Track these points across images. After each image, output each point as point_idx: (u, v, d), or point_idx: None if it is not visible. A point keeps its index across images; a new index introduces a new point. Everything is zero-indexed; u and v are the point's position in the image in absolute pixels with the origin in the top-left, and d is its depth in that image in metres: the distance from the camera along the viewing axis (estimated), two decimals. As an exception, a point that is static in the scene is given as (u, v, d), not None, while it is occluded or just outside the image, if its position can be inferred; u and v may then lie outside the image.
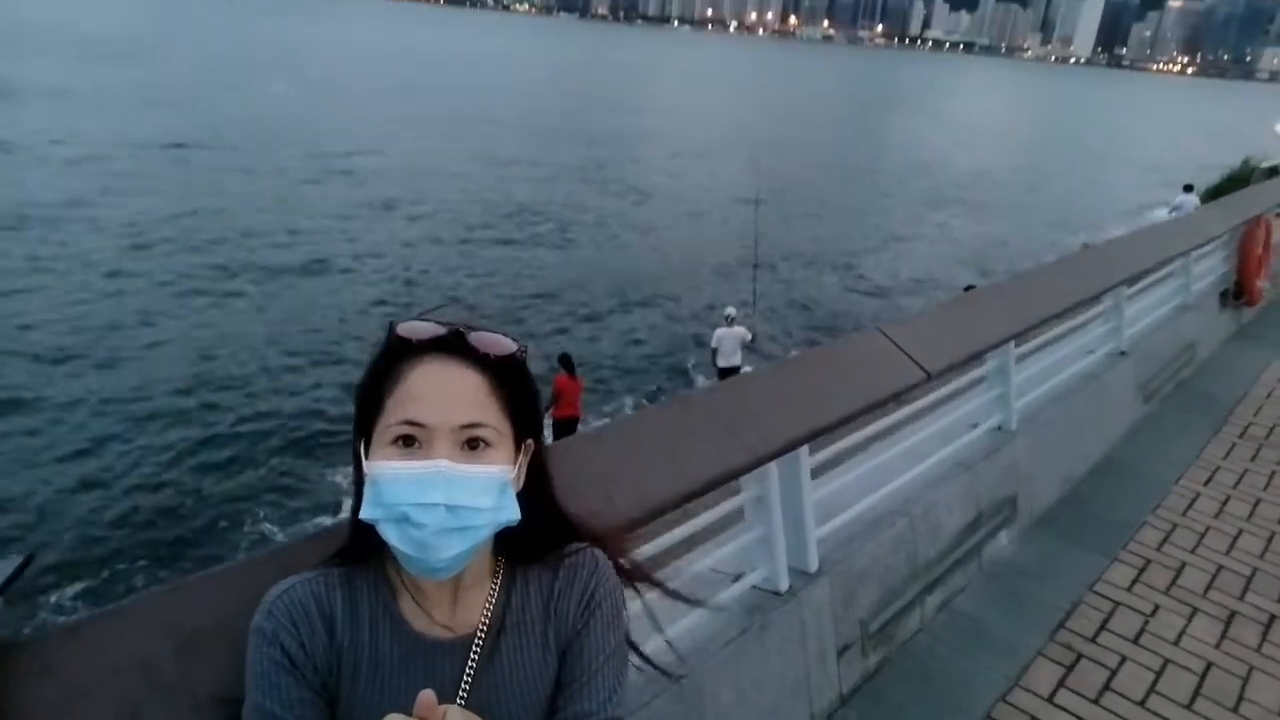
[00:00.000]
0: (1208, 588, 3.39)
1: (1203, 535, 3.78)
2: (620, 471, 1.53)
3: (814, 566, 2.55)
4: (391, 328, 0.98)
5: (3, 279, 13.65)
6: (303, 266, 15.76)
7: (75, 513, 8.52)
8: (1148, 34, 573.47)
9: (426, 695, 0.82)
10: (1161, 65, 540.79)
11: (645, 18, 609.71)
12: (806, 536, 2.51)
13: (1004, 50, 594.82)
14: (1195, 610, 3.24)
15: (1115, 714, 2.68)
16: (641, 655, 1.22)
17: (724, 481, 1.75)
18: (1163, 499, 4.06)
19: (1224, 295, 6.42)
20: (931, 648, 2.91)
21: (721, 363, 11.13)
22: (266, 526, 8.56)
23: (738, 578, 2.41)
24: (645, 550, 1.97)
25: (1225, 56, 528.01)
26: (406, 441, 0.93)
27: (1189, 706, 2.74)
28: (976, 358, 2.80)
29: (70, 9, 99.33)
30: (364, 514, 0.94)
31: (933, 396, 3.34)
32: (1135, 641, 3.03)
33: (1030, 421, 3.73)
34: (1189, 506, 4.03)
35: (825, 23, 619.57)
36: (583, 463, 1.48)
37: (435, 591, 1.02)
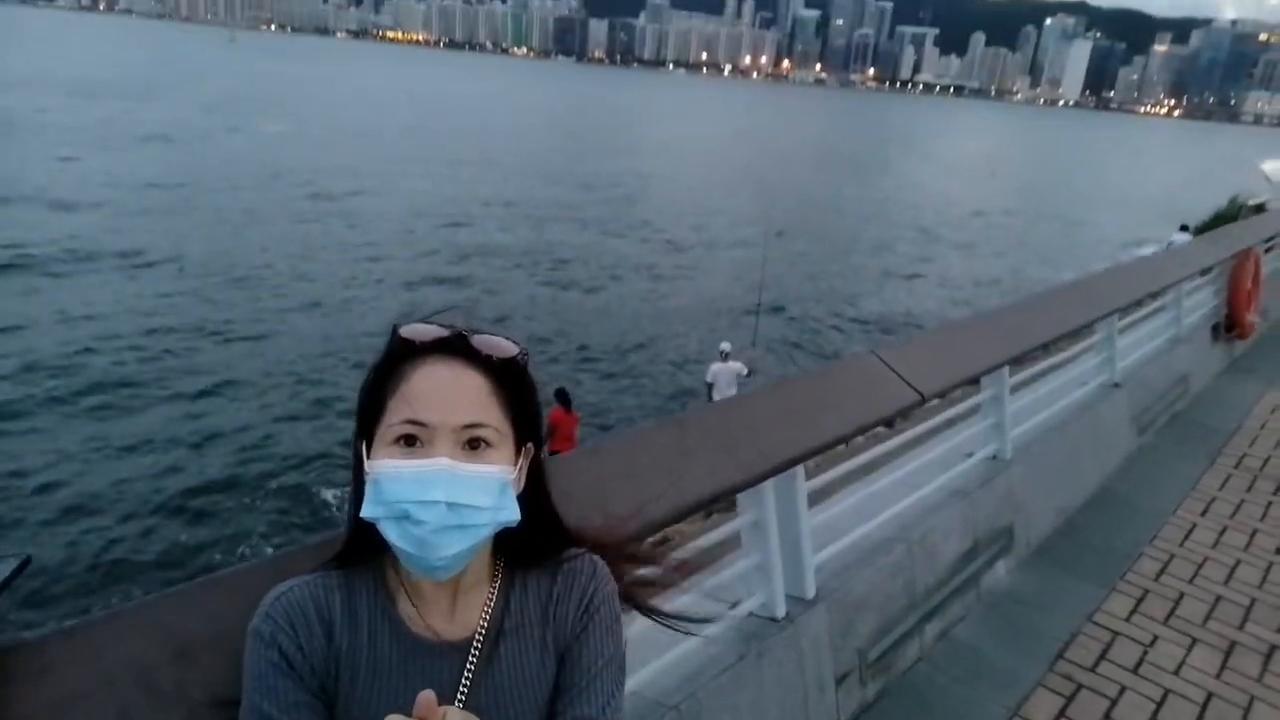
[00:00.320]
0: (1207, 618, 3.37)
1: (1200, 566, 3.77)
2: (617, 487, 1.54)
3: (811, 593, 2.53)
4: (395, 329, 1.00)
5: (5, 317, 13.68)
6: (299, 307, 15.79)
7: (75, 520, 8.63)
8: (1134, 77, 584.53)
9: (426, 696, 0.82)
10: (1148, 108, 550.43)
11: (641, 61, 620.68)
12: (804, 563, 2.50)
13: (994, 93, 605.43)
14: (1195, 640, 3.22)
15: (1117, 744, 2.65)
16: None
17: (721, 498, 1.76)
18: (1159, 530, 4.05)
19: (1215, 329, 6.47)
20: (931, 678, 2.88)
21: (717, 397, 11.16)
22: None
23: (735, 605, 2.39)
24: (641, 575, 1.96)
25: (1211, 99, 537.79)
26: (408, 441, 0.94)
27: (1191, 736, 2.71)
28: (970, 382, 2.82)
29: (70, 52, 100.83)
30: (365, 512, 0.94)
31: (928, 424, 3.35)
32: (1135, 672, 3.00)
33: (1025, 451, 3.73)
34: (1186, 537, 4.02)
35: (818, 66, 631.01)
36: (580, 478, 1.49)
37: (434, 594, 1.02)
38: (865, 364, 2.36)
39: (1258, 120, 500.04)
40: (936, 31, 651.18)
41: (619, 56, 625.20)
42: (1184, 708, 2.84)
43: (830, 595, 2.58)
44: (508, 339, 1.02)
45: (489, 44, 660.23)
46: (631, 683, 1.97)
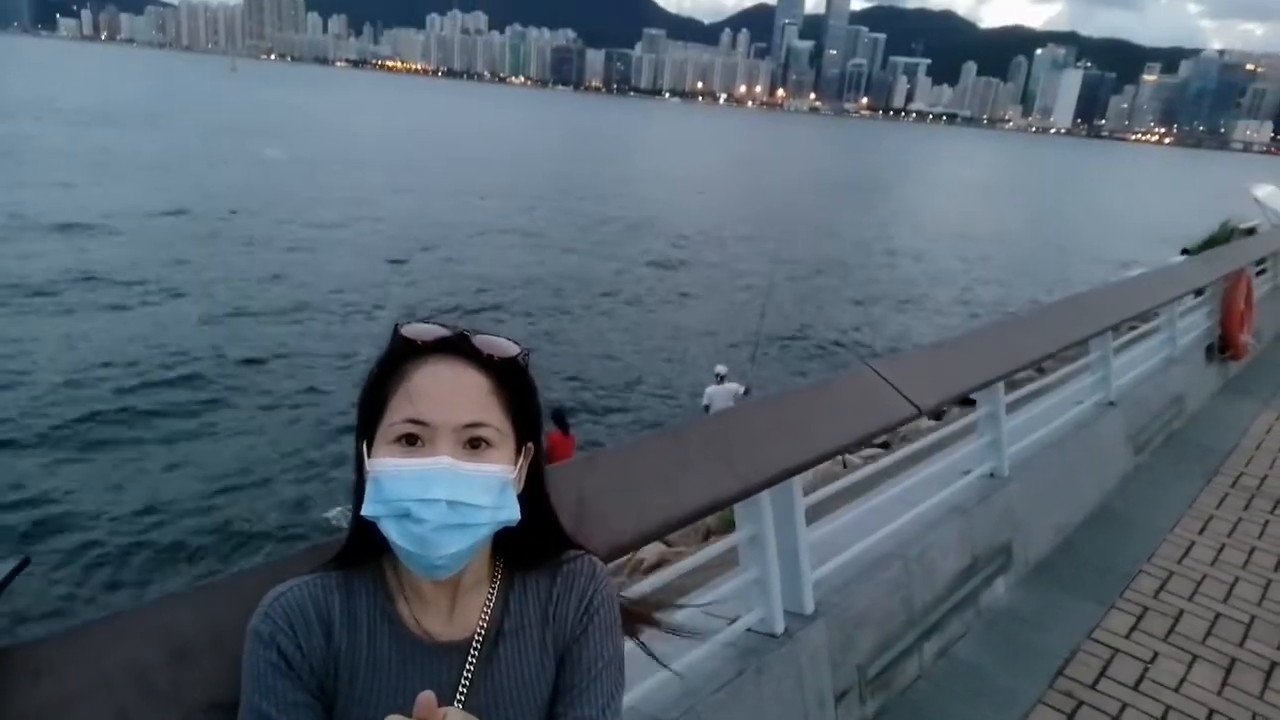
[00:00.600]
0: (1207, 635, 3.36)
1: (1199, 583, 3.76)
2: (615, 496, 1.54)
3: (810, 609, 2.52)
4: (396, 328, 1.00)
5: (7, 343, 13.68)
6: (299, 331, 15.79)
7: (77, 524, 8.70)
8: (1125, 106, 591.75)
9: (426, 697, 0.82)
10: (1139, 135, 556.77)
11: (637, 90, 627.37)
12: (802, 578, 2.49)
13: (986, 121, 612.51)
14: (1195, 657, 3.20)
15: (1119, 761, 2.63)
16: None
17: (718, 508, 1.76)
18: (1157, 547, 4.04)
19: (1209, 349, 6.50)
20: (931, 696, 2.86)
21: (714, 420, 11.14)
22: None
23: (733, 620, 2.38)
24: (640, 589, 1.96)
25: (1200, 128, 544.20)
26: (409, 440, 0.94)
27: (1193, 754, 2.69)
28: (966, 395, 2.83)
29: (72, 80, 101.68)
30: (365, 510, 0.94)
31: (925, 441, 3.36)
32: (1136, 689, 2.99)
33: (1023, 469, 3.74)
34: (1184, 555, 4.01)
35: (812, 95, 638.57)
36: (578, 487, 1.49)
37: (434, 594, 1.01)
38: (862, 377, 2.37)
39: (1247, 148, 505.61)
40: (929, 61, 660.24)
41: (615, 85, 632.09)
42: (1185, 725, 2.82)
43: (829, 611, 2.57)
44: (509, 339, 1.02)
45: (487, 73, 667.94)
46: (629, 698, 1.95)
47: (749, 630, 2.41)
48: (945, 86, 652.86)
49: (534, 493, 1.07)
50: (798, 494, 2.30)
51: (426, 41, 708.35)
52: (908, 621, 2.89)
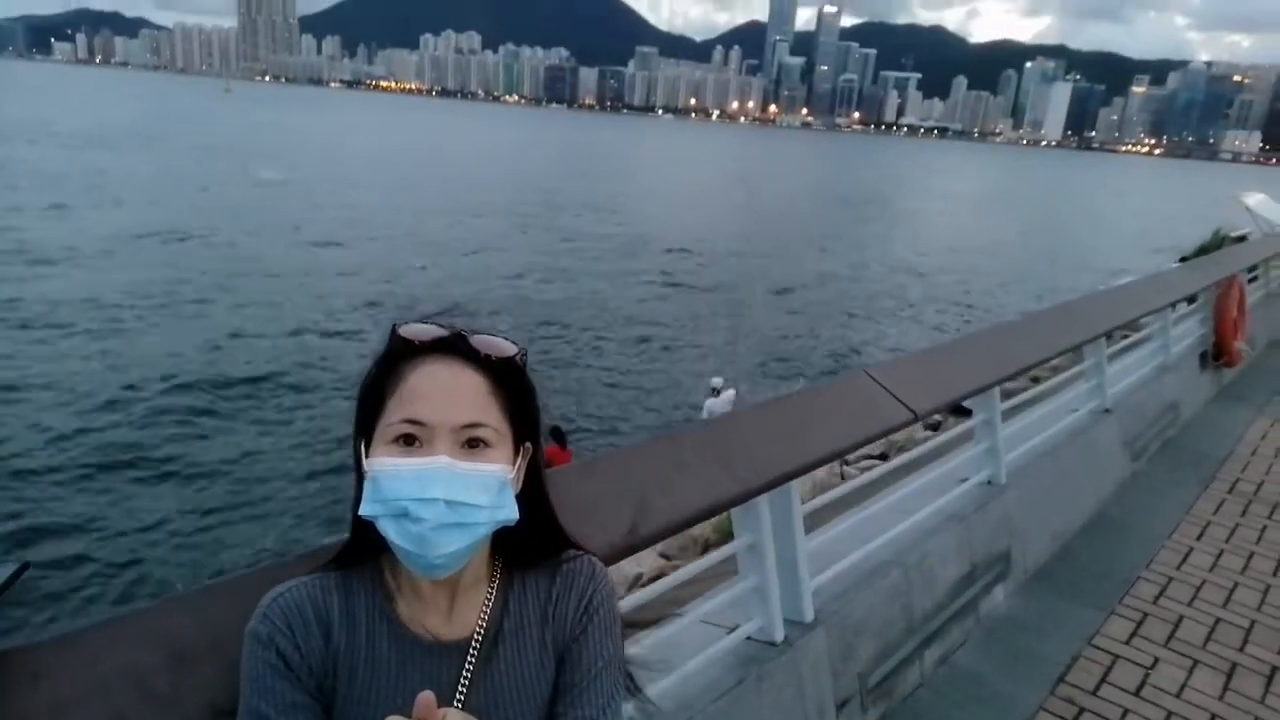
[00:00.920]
0: (1207, 640, 3.35)
1: (1199, 589, 3.76)
2: (613, 500, 1.54)
3: (810, 617, 2.52)
4: (394, 328, 1.00)
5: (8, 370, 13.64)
6: (294, 358, 15.71)
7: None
8: (1114, 118, 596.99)
9: (426, 697, 0.81)
10: (1129, 147, 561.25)
11: (630, 107, 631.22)
12: (801, 586, 2.49)
13: (977, 135, 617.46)
14: (1196, 662, 3.19)
15: (1121, 767, 2.62)
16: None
17: (716, 512, 1.76)
18: (1156, 553, 4.04)
19: (1203, 357, 6.53)
20: (933, 704, 2.85)
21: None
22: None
23: (732, 629, 2.38)
24: (638, 600, 1.95)
25: (1190, 138, 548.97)
26: (407, 440, 0.94)
27: (1196, 758, 2.68)
28: (961, 400, 2.83)
29: (67, 103, 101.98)
30: (363, 510, 0.94)
31: (921, 450, 3.36)
32: (1137, 694, 2.98)
33: (1019, 476, 3.74)
34: (1183, 561, 4.01)
35: (804, 110, 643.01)
36: (576, 491, 1.49)
37: (432, 594, 1.01)
38: (858, 382, 2.38)
39: (1236, 158, 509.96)
40: (919, 76, 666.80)
41: (609, 103, 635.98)
42: (1188, 730, 2.81)
43: (829, 619, 2.56)
44: (507, 339, 1.02)
45: (481, 92, 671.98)
46: (629, 707, 1.95)
47: (749, 639, 2.40)
48: (936, 100, 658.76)
49: (533, 492, 1.07)
50: (795, 500, 2.30)
51: (420, 61, 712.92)
52: (908, 629, 2.88)
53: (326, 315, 18.35)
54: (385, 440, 0.95)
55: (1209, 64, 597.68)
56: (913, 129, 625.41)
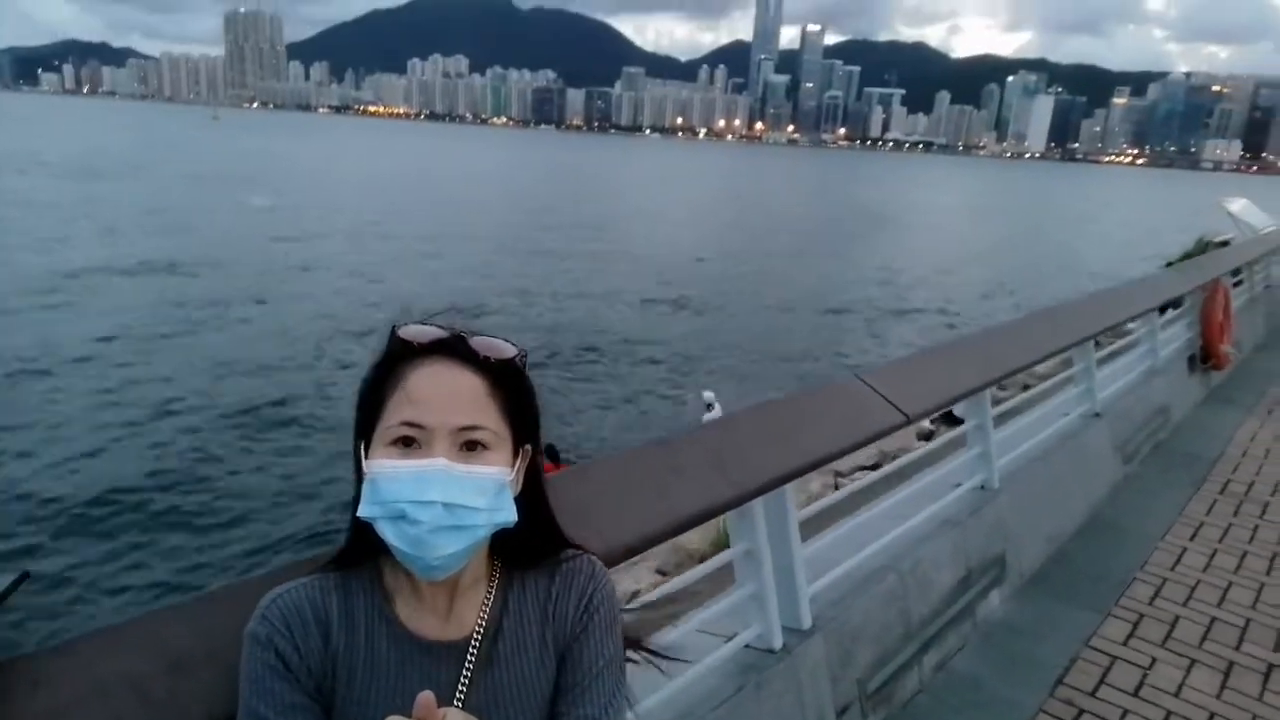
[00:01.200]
0: (1203, 639, 3.37)
1: (1194, 589, 3.78)
2: (608, 505, 1.55)
3: (808, 624, 2.52)
4: (393, 330, 1.00)
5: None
6: (290, 385, 15.64)
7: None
8: (1097, 129, 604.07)
9: (426, 697, 0.82)
10: (1113, 157, 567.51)
11: (618, 127, 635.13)
12: (798, 593, 2.49)
13: (961, 148, 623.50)
14: (1193, 662, 3.21)
15: (1122, 767, 2.62)
16: None
17: (711, 515, 1.77)
18: (1150, 555, 4.06)
19: (1191, 360, 6.59)
20: (932, 709, 2.84)
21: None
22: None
23: (731, 638, 2.38)
24: (635, 613, 1.95)
25: (1171, 148, 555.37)
26: (406, 442, 0.94)
27: (1196, 757, 2.69)
28: (953, 402, 2.85)
29: (56, 133, 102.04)
30: (362, 511, 0.95)
31: (914, 455, 3.38)
32: (1136, 695, 2.98)
33: (1012, 480, 3.76)
34: (1177, 562, 4.03)
35: (790, 127, 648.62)
36: (571, 496, 1.50)
37: (432, 594, 1.01)
38: (850, 386, 2.40)
39: (1217, 166, 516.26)
40: (903, 92, 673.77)
41: (597, 123, 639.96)
42: (1187, 729, 2.82)
43: (826, 625, 2.56)
44: (506, 340, 1.02)
45: (469, 115, 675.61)
46: (629, 716, 1.94)
47: (747, 647, 2.40)
48: (920, 115, 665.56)
49: (532, 494, 1.07)
50: (790, 504, 2.31)
51: (408, 86, 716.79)
52: (905, 635, 2.88)
53: (319, 341, 18.28)
54: (384, 442, 0.96)
55: (1188, 75, 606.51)
56: (898, 144, 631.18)
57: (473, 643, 1.02)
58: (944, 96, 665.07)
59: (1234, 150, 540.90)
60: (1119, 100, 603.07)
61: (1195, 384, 6.60)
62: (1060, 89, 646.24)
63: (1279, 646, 3.35)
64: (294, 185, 54.82)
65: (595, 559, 1.13)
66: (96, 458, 11.52)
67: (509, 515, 0.98)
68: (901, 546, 3.03)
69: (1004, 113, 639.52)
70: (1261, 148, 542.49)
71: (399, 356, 0.99)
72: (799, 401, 2.28)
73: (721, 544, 4.48)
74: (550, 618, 1.06)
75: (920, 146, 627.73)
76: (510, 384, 1.01)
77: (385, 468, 0.94)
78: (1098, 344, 4.81)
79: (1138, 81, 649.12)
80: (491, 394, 0.99)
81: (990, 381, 3.04)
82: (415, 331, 1.00)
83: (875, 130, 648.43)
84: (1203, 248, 13.58)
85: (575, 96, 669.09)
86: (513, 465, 1.00)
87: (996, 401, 3.71)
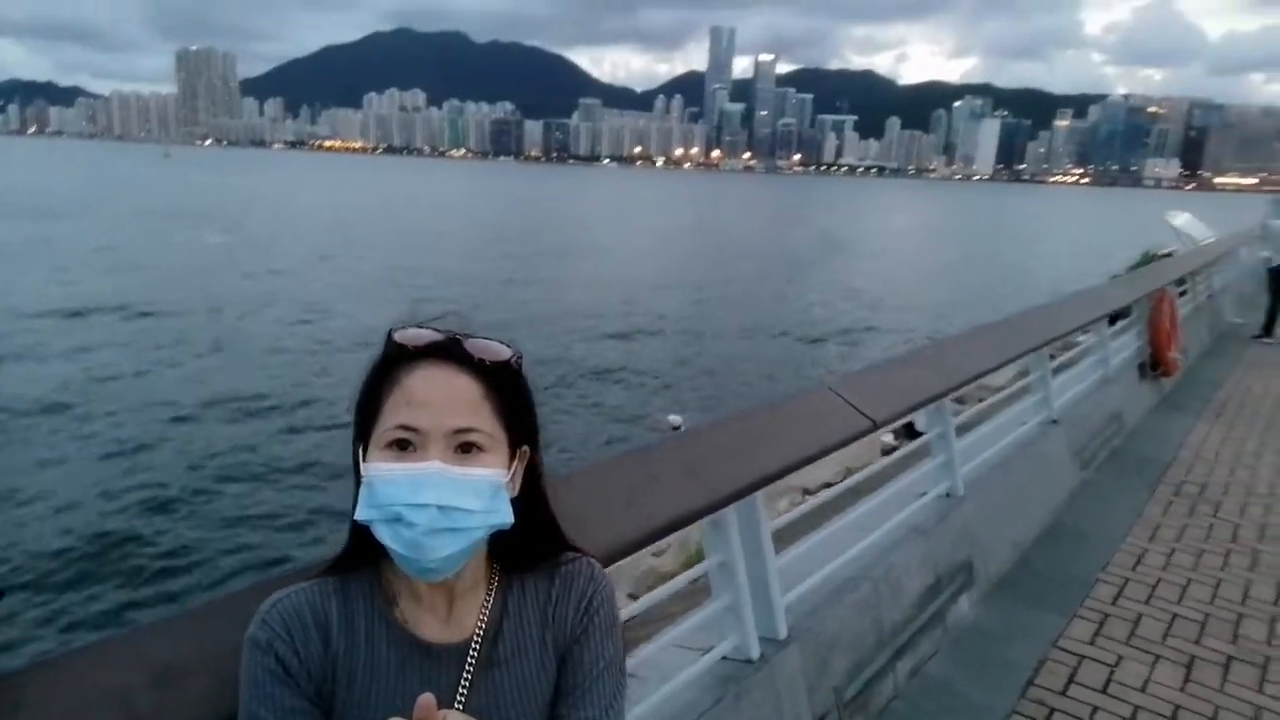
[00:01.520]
0: (1165, 636, 3.46)
1: (1154, 588, 3.88)
2: (583, 515, 1.56)
3: (783, 634, 2.54)
4: (390, 334, 1.01)
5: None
6: (251, 429, 15.35)
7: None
8: (1042, 150, 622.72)
9: (426, 700, 0.82)
10: (1058, 177, 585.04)
11: (577, 157, 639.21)
12: (774, 603, 2.51)
13: (913, 171, 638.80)
14: (1157, 658, 3.29)
15: (1094, 763, 2.67)
16: None
17: (689, 521, 1.79)
18: (1111, 557, 4.16)
19: (1142, 367, 6.80)
20: (907, 715, 2.87)
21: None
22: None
23: (708, 650, 2.39)
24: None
25: (1114, 167, 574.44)
26: (401, 445, 0.95)
27: (1164, 749, 2.75)
28: (917, 408, 2.92)
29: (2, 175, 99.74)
30: (358, 514, 0.95)
31: (880, 464, 3.44)
32: (1104, 692, 3.05)
33: (976, 488, 3.84)
34: (1137, 562, 4.13)
35: (746, 154, 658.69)
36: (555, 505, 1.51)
37: (431, 597, 1.02)
38: (818, 395, 2.45)
39: (1158, 184, 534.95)
40: (855, 118, 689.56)
41: (555, 154, 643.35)
42: (1154, 723, 2.88)
43: (802, 635, 2.59)
44: (502, 342, 1.03)
45: (427, 148, 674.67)
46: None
47: (724, 659, 2.41)
48: (872, 141, 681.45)
49: (532, 496, 1.07)
50: (763, 514, 2.34)
51: (364, 120, 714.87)
52: (879, 642, 2.92)
53: (275, 376, 18.01)
54: (380, 445, 0.96)
55: (1126, 96, 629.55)
56: (851, 168, 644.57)
57: (473, 645, 1.02)
58: (894, 122, 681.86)
59: (1173, 168, 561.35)
60: (1062, 122, 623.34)
61: (1146, 391, 6.80)
62: (1005, 113, 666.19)
63: (1236, 639, 3.46)
64: (249, 220, 54.16)
65: (594, 561, 1.13)
66: (43, 504, 11.16)
67: (505, 517, 0.98)
68: (872, 555, 3.08)
69: (952, 137, 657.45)
70: (1198, 165, 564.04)
71: (395, 359, 0.99)
72: (769, 411, 2.32)
73: (694, 558, 4.50)
74: (550, 620, 1.07)
75: (873, 171, 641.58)
76: (506, 386, 1.01)
77: (380, 471, 0.94)
78: (1052, 355, 4.96)
79: (1079, 104, 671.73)
80: (487, 396, 0.99)
81: (952, 387, 3.12)
82: (411, 335, 1.00)
83: (829, 156, 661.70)
84: (1148, 260, 14.05)
85: (533, 128, 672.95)
86: (509, 467, 1.00)
87: (956, 412, 3.80)
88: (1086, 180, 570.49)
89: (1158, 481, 5.26)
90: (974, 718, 2.90)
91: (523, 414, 1.04)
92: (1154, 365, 6.88)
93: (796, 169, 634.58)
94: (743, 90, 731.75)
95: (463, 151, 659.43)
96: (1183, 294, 8.74)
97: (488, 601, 1.05)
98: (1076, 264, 42.56)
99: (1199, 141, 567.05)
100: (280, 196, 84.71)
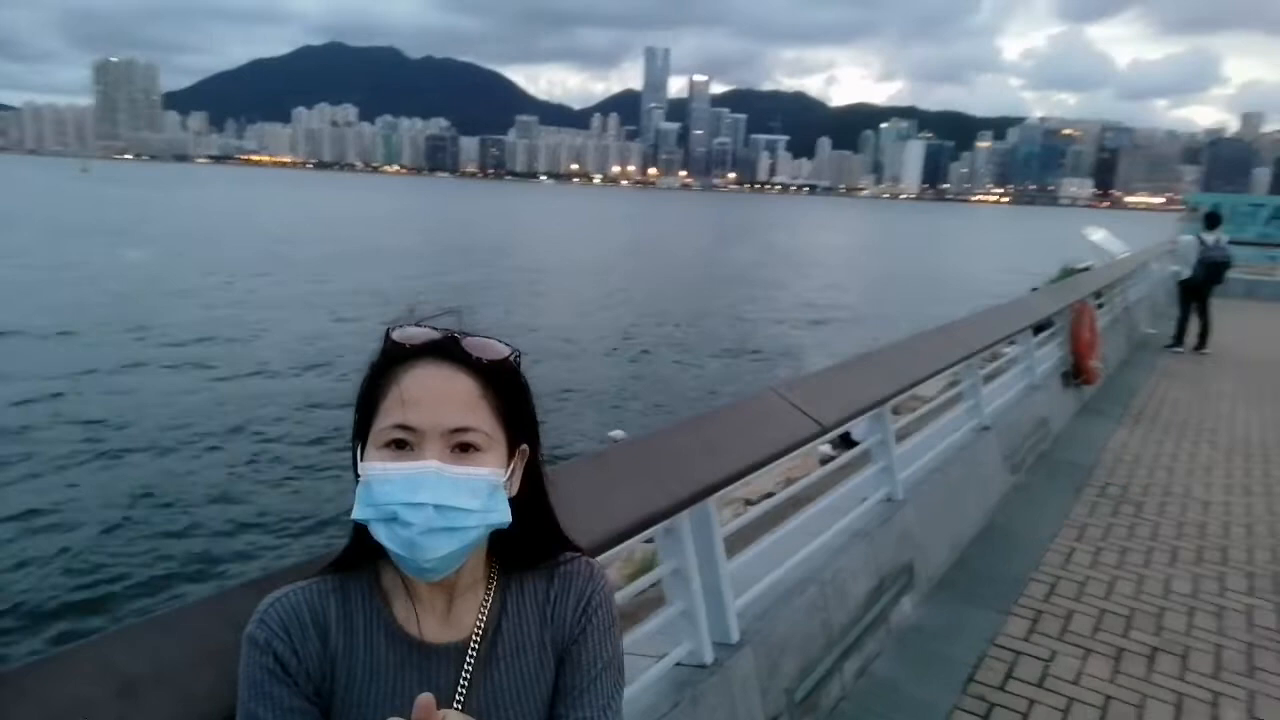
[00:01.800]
0: (1095, 630, 3.61)
1: (1083, 585, 4.05)
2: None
3: (736, 637, 2.58)
4: (387, 332, 1.00)
5: None
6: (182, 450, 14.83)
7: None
8: (965, 170, 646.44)
9: (425, 699, 0.82)
10: (980, 196, 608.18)
11: (513, 173, 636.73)
12: (726, 608, 2.55)
13: (843, 190, 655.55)
14: (1088, 652, 3.43)
15: (1033, 753, 2.77)
16: None
17: (646, 526, 1.81)
18: (1042, 556, 4.34)
19: (1065, 376, 7.11)
20: (855, 714, 2.94)
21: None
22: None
23: (662, 656, 2.41)
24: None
25: (1032, 187, 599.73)
26: (399, 445, 0.94)
27: (1097, 737, 2.87)
28: (861, 412, 3.01)
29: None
30: (356, 514, 0.94)
31: (821, 472, 3.53)
32: (1040, 686, 3.17)
33: (914, 492, 3.96)
34: (1066, 561, 4.32)
35: (682, 172, 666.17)
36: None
37: (430, 597, 1.01)
38: (766, 400, 2.51)
39: (1074, 202, 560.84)
40: (787, 138, 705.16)
41: (491, 170, 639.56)
42: (1087, 713, 3.01)
43: (754, 638, 2.63)
44: (500, 341, 1.03)
45: (360, 163, 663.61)
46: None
47: (679, 664, 2.44)
48: (804, 160, 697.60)
49: (531, 495, 1.07)
50: (715, 519, 2.38)
51: (294, 134, 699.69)
52: (827, 643, 2.98)
53: (196, 394, 17.41)
54: (378, 444, 0.95)
55: (1042, 119, 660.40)
56: (785, 187, 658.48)
57: (471, 645, 1.02)
58: (825, 142, 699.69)
59: (1087, 187, 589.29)
60: (983, 144, 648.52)
61: (1069, 398, 7.11)
62: (930, 134, 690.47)
63: (1160, 631, 3.64)
64: (171, 236, 52.32)
65: (593, 561, 1.13)
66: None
67: (503, 517, 0.98)
68: (820, 559, 3.15)
69: (880, 157, 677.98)
70: (1110, 185, 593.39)
71: (392, 358, 0.99)
72: (718, 416, 2.36)
73: (645, 565, 4.51)
74: (549, 620, 1.07)
75: (805, 189, 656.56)
76: (504, 385, 1.01)
77: (377, 470, 0.93)
78: (983, 363, 5.15)
79: (999, 126, 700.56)
80: (484, 395, 0.98)
81: (895, 392, 3.22)
82: (408, 333, 0.99)
83: (763, 174, 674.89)
84: (1067, 274, 14.69)
85: (469, 144, 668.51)
86: (507, 466, 1.00)
87: (896, 416, 3.92)
88: (1007, 199, 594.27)
89: (1083, 484, 5.51)
90: (918, 715, 2.98)
91: (521, 412, 1.04)
92: (1076, 374, 7.21)
93: (732, 187, 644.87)
94: (679, 109, 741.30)
95: (397, 167, 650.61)
96: (1100, 306, 9.17)
97: (486, 601, 1.05)
98: (1000, 277, 44.15)
99: (1111, 162, 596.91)
100: (205, 212, 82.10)
